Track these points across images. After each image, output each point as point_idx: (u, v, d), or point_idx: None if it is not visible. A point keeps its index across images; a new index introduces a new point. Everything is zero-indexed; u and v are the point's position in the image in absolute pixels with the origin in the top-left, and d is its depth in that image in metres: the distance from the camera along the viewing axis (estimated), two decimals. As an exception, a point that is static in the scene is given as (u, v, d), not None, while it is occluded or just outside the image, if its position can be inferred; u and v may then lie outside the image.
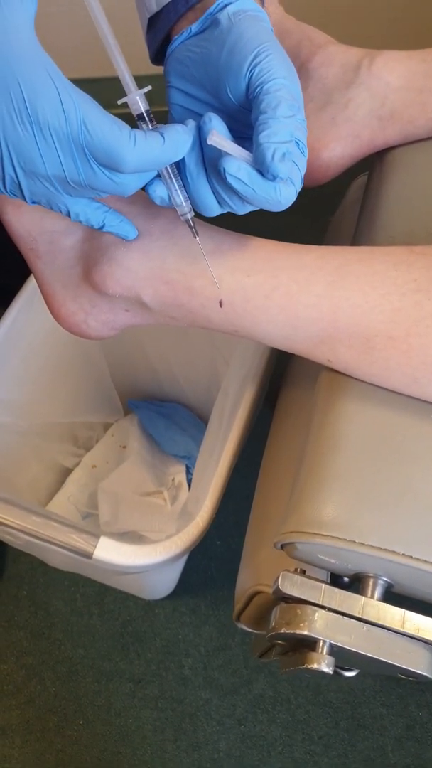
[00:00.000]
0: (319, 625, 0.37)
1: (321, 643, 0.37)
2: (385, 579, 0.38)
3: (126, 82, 0.36)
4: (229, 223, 0.44)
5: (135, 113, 0.37)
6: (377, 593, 0.38)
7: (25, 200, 0.36)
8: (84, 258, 0.45)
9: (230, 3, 0.38)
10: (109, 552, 0.57)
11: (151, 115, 0.37)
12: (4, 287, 0.82)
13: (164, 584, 0.94)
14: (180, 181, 0.38)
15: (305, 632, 0.37)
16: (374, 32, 1.38)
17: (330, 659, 0.37)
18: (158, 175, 0.38)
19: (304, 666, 0.37)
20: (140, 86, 0.37)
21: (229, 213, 0.40)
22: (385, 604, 0.37)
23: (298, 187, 0.37)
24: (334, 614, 0.37)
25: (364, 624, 0.37)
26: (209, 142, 0.35)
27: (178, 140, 0.35)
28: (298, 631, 0.37)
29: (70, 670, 0.94)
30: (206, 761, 0.87)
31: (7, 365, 0.78)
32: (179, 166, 0.38)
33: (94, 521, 0.94)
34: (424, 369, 0.39)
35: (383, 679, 0.92)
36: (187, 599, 0.98)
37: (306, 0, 0.95)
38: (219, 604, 0.98)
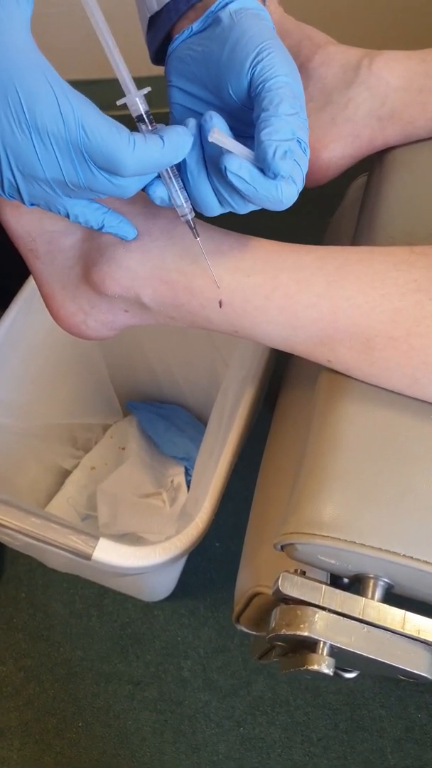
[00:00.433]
0: (319, 626, 0.37)
1: (321, 644, 0.37)
2: (386, 580, 0.38)
3: (125, 83, 0.36)
4: (229, 223, 0.44)
5: (134, 114, 0.37)
6: (378, 594, 0.38)
7: (23, 203, 0.36)
8: (83, 258, 0.45)
9: (232, 1, 0.38)
10: (108, 553, 0.57)
11: (151, 116, 0.37)
12: (4, 288, 0.82)
13: (163, 586, 0.93)
14: (180, 182, 0.38)
15: (305, 633, 0.37)
16: (374, 32, 1.38)
17: (330, 660, 0.37)
18: (158, 176, 0.38)
19: (305, 667, 0.37)
20: (140, 87, 0.37)
21: (229, 213, 0.40)
22: (385, 605, 0.37)
23: (300, 186, 0.36)
24: (335, 615, 0.37)
25: (365, 625, 0.37)
26: (210, 139, 0.34)
27: (177, 143, 0.35)
28: (298, 632, 0.37)
29: (69, 672, 0.94)
30: (205, 763, 0.87)
31: (6, 366, 0.78)
32: (180, 166, 0.38)
33: (93, 523, 0.94)
34: (425, 369, 0.39)
35: (382, 681, 0.92)
36: (186, 601, 0.98)
37: (306, 0, 0.96)
38: (218, 606, 0.98)
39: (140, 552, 0.57)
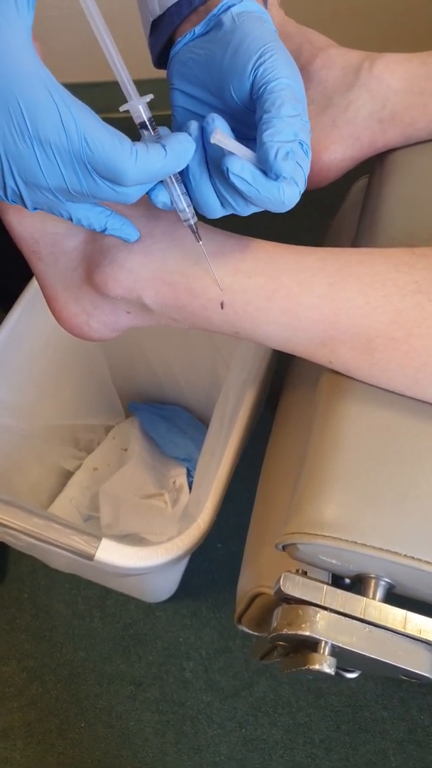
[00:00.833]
0: (320, 625, 0.37)
1: (323, 644, 0.37)
2: (387, 580, 0.38)
3: (127, 89, 0.36)
4: (231, 225, 0.44)
5: (137, 121, 0.37)
6: (379, 594, 0.38)
7: (26, 208, 0.36)
8: (86, 260, 0.45)
9: (234, 4, 0.38)
10: (111, 554, 0.57)
11: (153, 122, 0.37)
12: (6, 289, 0.82)
13: (165, 587, 0.94)
14: (183, 186, 0.38)
15: (307, 633, 0.37)
16: (375, 35, 1.39)
17: (332, 660, 0.37)
18: (161, 180, 0.38)
19: (306, 667, 0.37)
20: (141, 91, 0.37)
21: (230, 215, 0.40)
22: (386, 605, 0.37)
23: (302, 188, 0.36)
24: (336, 615, 0.37)
25: (366, 625, 0.37)
26: (212, 141, 0.35)
27: (179, 151, 0.35)
28: (299, 632, 0.37)
29: (71, 673, 0.94)
30: (207, 764, 0.87)
31: (9, 368, 0.79)
32: (182, 169, 0.38)
33: (96, 523, 0.94)
34: (426, 370, 0.39)
35: (385, 683, 0.92)
36: (188, 602, 0.98)
37: (307, 3, 0.96)
38: (220, 607, 0.98)
39: (142, 552, 0.57)
